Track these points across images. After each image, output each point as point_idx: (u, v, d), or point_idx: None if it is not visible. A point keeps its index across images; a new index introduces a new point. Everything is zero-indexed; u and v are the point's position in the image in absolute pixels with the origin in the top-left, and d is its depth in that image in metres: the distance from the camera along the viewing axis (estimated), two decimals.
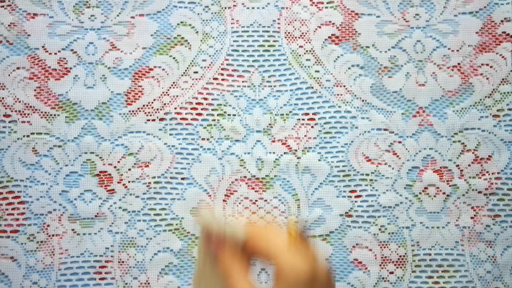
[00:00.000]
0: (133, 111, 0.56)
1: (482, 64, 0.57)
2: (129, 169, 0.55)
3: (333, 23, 0.58)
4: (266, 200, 0.55)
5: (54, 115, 0.55)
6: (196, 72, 0.57)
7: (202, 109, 0.56)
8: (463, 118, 0.56)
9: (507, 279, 0.54)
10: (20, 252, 0.54)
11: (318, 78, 0.57)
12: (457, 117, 0.56)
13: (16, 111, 0.55)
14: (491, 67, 0.57)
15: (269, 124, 0.56)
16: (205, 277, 0.44)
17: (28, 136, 0.55)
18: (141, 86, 0.56)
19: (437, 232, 0.55)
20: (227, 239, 0.41)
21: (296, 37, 0.58)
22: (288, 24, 0.58)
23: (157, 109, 0.56)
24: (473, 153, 0.56)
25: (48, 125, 0.55)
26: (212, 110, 0.56)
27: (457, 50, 0.57)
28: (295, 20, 0.58)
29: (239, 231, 0.41)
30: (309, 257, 0.38)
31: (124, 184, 0.55)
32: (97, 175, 0.55)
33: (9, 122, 0.55)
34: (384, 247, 0.55)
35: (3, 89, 0.55)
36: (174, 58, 0.57)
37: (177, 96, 0.56)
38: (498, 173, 0.56)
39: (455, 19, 0.58)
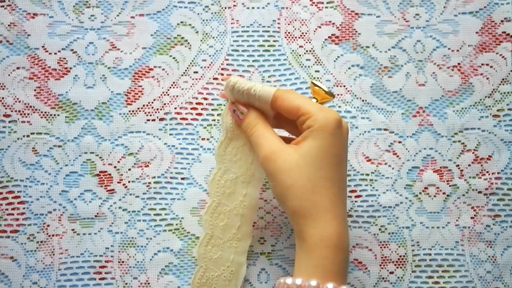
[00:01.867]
0: (133, 111, 0.56)
1: (482, 64, 0.57)
2: (129, 169, 0.55)
3: (333, 23, 0.58)
4: (266, 200, 0.55)
5: (54, 115, 0.55)
6: (196, 72, 0.57)
7: (202, 109, 0.56)
8: (463, 118, 0.56)
9: (507, 279, 0.54)
10: (20, 252, 0.54)
11: (318, 78, 0.57)
12: (457, 117, 0.56)
13: (16, 111, 0.55)
14: (491, 67, 0.57)
15: None
16: (230, 146, 0.49)
17: (28, 136, 0.55)
18: (141, 86, 0.56)
19: (437, 232, 0.55)
20: (256, 99, 0.46)
21: (296, 37, 0.58)
22: (288, 24, 0.58)
23: (157, 109, 0.56)
24: (473, 153, 0.56)
25: (48, 125, 0.55)
26: (212, 110, 0.56)
27: (457, 50, 0.57)
28: (295, 20, 0.58)
29: (267, 93, 0.45)
30: (331, 110, 0.44)
31: (124, 184, 0.55)
32: (97, 175, 0.55)
33: (9, 122, 0.55)
34: (384, 247, 0.55)
35: (3, 89, 0.55)
36: (174, 58, 0.57)
37: (177, 96, 0.56)
38: (498, 173, 0.56)
39: (455, 19, 0.58)
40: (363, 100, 0.57)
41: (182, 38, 0.57)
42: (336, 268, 0.41)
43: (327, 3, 0.58)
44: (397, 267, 0.54)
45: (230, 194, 0.50)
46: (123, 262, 0.54)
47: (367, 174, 0.56)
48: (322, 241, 0.41)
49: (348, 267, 0.43)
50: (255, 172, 0.49)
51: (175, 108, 0.56)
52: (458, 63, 0.57)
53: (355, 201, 0.55)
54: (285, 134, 0.52)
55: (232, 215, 0.50)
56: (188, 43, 0.57)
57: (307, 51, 0.57)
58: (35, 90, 0.56)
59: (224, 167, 0.50)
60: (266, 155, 0.43)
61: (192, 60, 0.57)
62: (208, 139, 0.56)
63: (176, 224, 0.55)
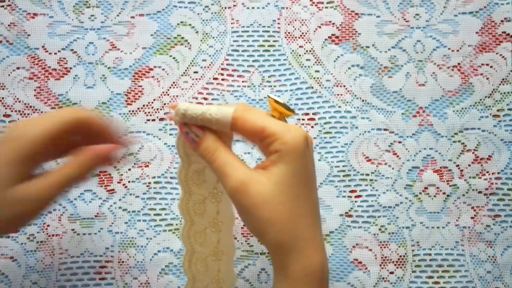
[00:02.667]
0: (133, 111, 0.56)
1: (482, 64, 0.57)
2: (129, 169, 0.55)
3: (333, 23, 0.58)
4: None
5: None
6: (196, 72, 0.57)
7: None
8: (463, 118, 0.56)
9: (507, 279, 0.54)
10: (20, 252, 0.53)
11: (318, 78, 0.57)
12: (457, 117, 0.56)
13: (16, 111, 0.55)
14: (491, 67, 0.57)
15: None
16: (190, 171, 0.45)
17: None
18: (141, 86, 0.56)
19: (437, 232, 0.55)
20: (213, 123, 0.40)
21: (296, 37, 0.58)
22: (288, 24, 0.58)
23: (157, 109, 0.56)
24: (473, 153, 0.56)
25: None
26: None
27: (457, 50, 0.57)
28: (295, 20, 0.58)
29: (225, 115, 0.40)
30: (296, 128, 0.40)
31: (124, 184, 0.55)
32: (97, 175, 0.55)
33: (9, 122, 0.55)
34: (384, 247, 0.55)
35: (3, 89, 0.55)
36: (174, 58, 0.57)
37: (177, 96, 0.56)
38: (498, 173, 0.56)
39: (455, 19, 0.58)
40: (363, 100, 0.57)
41: (182, 38, 0.57)
42: None
43: (327, 3, 0.58)
44: (397, 267, 0.54)
45: (202, 213, 0.46)
46: (123, 262, 0.54)
47: (367, 174, 0.56)
48: (306, 276, 0.38)
49: None
50: (223, 190, 0.45)
51: None
52: (458, 63, 0.57)
53: (355, 201, 0.55)
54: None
55: (209, 233, 0.47)
56: (188, 43, 0.57)
57: (307, 51, 0.57)
58: (35, 90, 0.56)
59: (190, 191, 0.46)
60: (235, 186, 0.38)
61: (192, 60, 0.57)
62: None
63: (176, 224, 0.55)
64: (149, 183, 0.55)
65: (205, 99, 0.56)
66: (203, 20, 0.58)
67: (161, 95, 0.56)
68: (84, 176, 0.41)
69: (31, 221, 0.41)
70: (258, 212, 0.38)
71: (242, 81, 0.57)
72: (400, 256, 0.55)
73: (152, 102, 0.56)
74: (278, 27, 0.58)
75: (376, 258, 0.54)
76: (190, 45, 0.57)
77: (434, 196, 0.55)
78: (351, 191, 0.55)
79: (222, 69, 0.57)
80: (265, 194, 0.38)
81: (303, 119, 0.56)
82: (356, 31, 0.58)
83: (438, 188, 0.55)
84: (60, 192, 0.40)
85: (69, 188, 0.41)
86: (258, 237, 0.39)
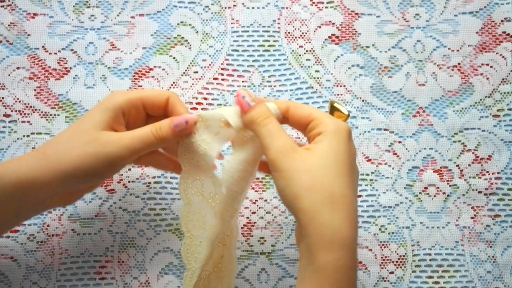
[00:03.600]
0: None
1: (482, 64, 0.57)
2: (129, 169, 0.55)
3: (333, 23, 0.58)
4: (266, 200, 0.55)
5: (54, 115, 0.55)
6: (196, 72, 0.57)
7: (202, 109, 0.56)
8: (463, 118, 0.56)
9: (507, 279, 0.54)
10: (20, 252, 0.53)
11: (318, 78, 0.57)
12: (457, 117, 0.56)
13: (16, 111, 0.55)
14: (491, 67, 0.57)
15: None
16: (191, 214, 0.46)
17: (28, 136, 0.55)
18: (141, 86, 0.56)
19: (437, 232, 0.55)
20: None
21: (296, 37, 0.58)
22: (288, 24, 0.58)
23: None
24: (473, 153, 0.56)
25: (48, 125, 0.55)
26: (212, 110, 0.56)
27: (457, 50, 0.57)
28: (295, 20, 0.58)
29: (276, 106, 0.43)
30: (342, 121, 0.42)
31: (124, 184, 0.55)
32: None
33: (9, 122, 0.55)
34: (384, 247, 0.55)
35: (3, 89, 0.55)
36: (174, 58, 0.57)
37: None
38: (498, 173, 0.56)
39: (455, 19, 0.58)
40: (363, 100, 0.57)
41: (182, 38, 0.57)
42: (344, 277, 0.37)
43: (327, 3, 0.58)
44: (397, 267, 0.54)
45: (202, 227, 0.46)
46: (123, 262, 0.54)
47: (367, 174, 0.56)
48: (336, 271, 0.37)
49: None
50: (224, 205, 0.45)
51: None
52: (458, 63, 0.57)
53: None
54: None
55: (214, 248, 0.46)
56: (188, 43, 0.57)
57: (307, 51, 0.57)
58: (35, 90, 0.56)
59: (189, 203, 0.47)
60: (283, 148, 0.39)
61: (192, 60, 0.57)
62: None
63: (176, 224, 0.55)
64: (149, 183, 0.55)
65: (205, 99, 0.56)
66: (203, 20, 0.58)
67: None
68: (159, 140, 0.44)
69: (113, 172, 0.46)
70: (299, 178, 0.38)
71: (242, 81, 0.57)
72: (400, 256, 0.55)
73: None
74: (278, 27, 0.58)
75: (376, 258, 0.54)
76: (190, 45, 0.57)
77: (434, 196, 0.55)
78: None
79: (222, 69, 0.57)
80: (310, 163, 0.39)
81: None
82: (356, 31, 0.58)
83: (438, 188, 0.55)
84: (143, 147, 0.43)
85: (142, 150, 0.43)
86: (291, 204, 0.39)
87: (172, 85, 0.56)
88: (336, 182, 0.38)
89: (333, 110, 0.46)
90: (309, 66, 0.57)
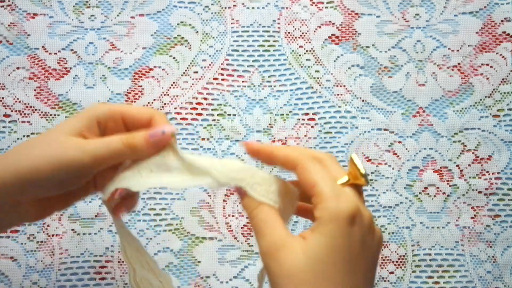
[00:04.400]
0: None
1: (482, 64, 0.57)
2: None
3: (333, 23, 0.58)
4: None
5: (54, 115, 0.55)
6: (196, 72, 0.57)
7: (202, 109, 0.56)
8: (463, 118, 0.56)
9: (507, 279, 0.54)
10: (20, 252, 0.53)
11: (318, 78, 0.57)
12: (457, 117, 0.56)
13: (16, 111, 0.55)
14: (491, 67, 0.57)
15: (269, 124, 0.56)
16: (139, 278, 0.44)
17: (28, 136, 0.55)
18: (141, 86, 0.56)
19: (437, 232, 0.55)
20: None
21: (296, 37, 0.58)
22: (288, 24, 0.58)
23: (157, 109, 0.56)
24: (473, 153, 0.56)
25: (48, 125, 0.55)
26: (212, 110, 0.56)
27: (457, 50, 0.57)
28: (295, 20, 0.58)
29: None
30: (357, 199, 0.35)
31: None
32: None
33: (9, 122, 0.55)
34: (384, 247, 0.55)
35: (3, 89, 0.55)
36: (174, 58, 0.57)
37: (177, 96, 0.56)
38: (498, 173, 0.56)
39: (455, 19, 0.58)
40: (363, 100, 0.57)
41: (182, 38, 0.57)
42: None
43: (327, 3, 0.58)
44: (397, 267, 0.54)
45: None
46: (123, 262, 0.54)
47: (367, 174, 0.56)
48: None
49: None
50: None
51: (175, 108, 0.56)
52: (458, 63, 0.57)
53: None
54: None
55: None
56: (188, 43, 0.57)
57: (307, 51, 0.57)
58: (35, 90, 0.56)
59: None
60: (267, 249, 0.35)
61: (192, 60, 0.57)
62: (208, 139, 0.56)
63: (176, 224, 0.55)
64: None
65: (205, 99, 0.56)
66: (203, 20, 0.58)
67: (161, 95, 0.56)
68: (129, 150, 0.40)
69: (76, 181, 0.40)
70: (283, 284, 0.34)
71: (242, 81, 0.57)
72: (400, 256, 0.55)
73: (152, 102, 0.56)
74: (278, 27, 0.58)
75: None
76: (190, 45, 0.57)
77: (434, 196, 0.55)
78: None
79: (222, 69, 0.57)
80: (295, 267, 0.34)
81: (303, 119, 0.56)
82: (356, 31, 0.58)
83: (438, 188, 0.55)
84: (108, 155, 0.39)
85: (119, 155, 0.40)
86: None
87: (172, 85, 0.56)
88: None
89: (352, 166, 0.37)
90: (309, 66, 0.57)
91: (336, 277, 0.33)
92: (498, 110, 0.57)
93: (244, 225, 0.55)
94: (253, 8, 0.58)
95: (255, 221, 0.37)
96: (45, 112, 0.55)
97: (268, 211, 0.37)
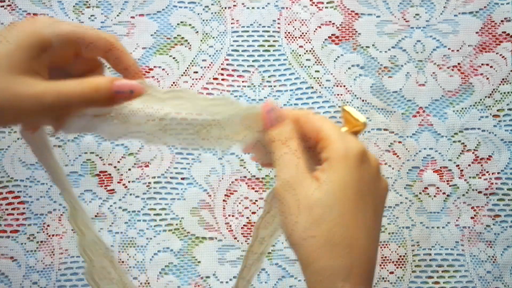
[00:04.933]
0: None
1: (482, 64, 0.57)
2: (129, 169, 0.55)
3: (333, 23, 0.58)
4: (266, 200, 0.55)
5: None
6: (196, 72, 0.57)
7: None
8: (463, 118, 0.56)
9: (507, 279, 0.54)
10: (20, 252, 0.53)
11: (318, 78, 0.57)
12: (457, 117, 0.56)
13: None
14: (491, 67, 0.57)
15: None
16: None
17: None
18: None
19: (437, 232, 0.55)
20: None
21: (296, 37, 0.58)
22: (288, 24, 0.58)
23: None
24: (473, 153, 0.56)
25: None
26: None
27: (457, 50, 0.57)
28: (295, 20, 0.58)
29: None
30: (355, 140, 0.37)
31: (124, 184, 0.55)
32: (97, 175, 0.55)
33: None
34: (384, 247, 0.55)
35: None
36: (174, 58, 0.57)
37: None
38: (498, 173, 0.56)
39: (455, 19, 0.58)
40: (363, 100, 0.57)
41: (182, 38, 0.57)
42: None
43: (327, 3, 0.58)
44: (397, 267, 0.54)
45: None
46: (123, 262, 0.54)
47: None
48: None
49: None
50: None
51: None
52: (458, 63, 0.57)
53: None
54: None
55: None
56: (188, 43, 0.57)
57: (307, 51, 0.57)
58: None
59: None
60: (288, 182, 0.36)
61: (192, 60, 0.57)
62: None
63: (176, 224, 0.55)
64: (149, 183, 0.55)
65: None
66: (203, 20, 0.58)
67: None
68: (86, 98, 0.35)
69: (14, 121, 0.36)
70: (298, 216, 0.35)
71: (242, 81, 0.57)
72: (400, 256, 0.55)
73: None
74: (278, 27, 0.58)
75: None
76: (190, 45, 0.57)
77: (434, 196, 0.55)
78: None
79: (222, 69, 0.57)
80: (310, 201, 0.35)
81: None
82: (356, 31, 0.58)
83: (438, 188, 0.55)
84: (56, 106, 0.34)
85: (62, 107, 0.34)
86: (288, 239, 0.36)
87: (172, 85, 0.56)
88: (338, 223, 0.34)
89: (346, 117, 0.39)
90: (309, 66, 0.57)
91: (349, 212, 0.35)
92: (498, 110, 0.57)
93: (244, 225, 0.55)
94: (253, 8, 0.58)
95: (281, 152, 0.37)
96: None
97: (294, 145, 0.37)
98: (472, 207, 0.55)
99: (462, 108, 0.56)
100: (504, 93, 0.57)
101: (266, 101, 0.39)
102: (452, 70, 0.57)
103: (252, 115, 0.39)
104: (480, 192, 0.55)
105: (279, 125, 0.38)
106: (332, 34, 0.58)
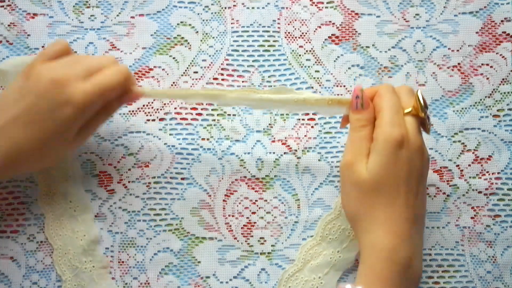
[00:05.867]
0: (133, 111, 0.56)
1: (482, 64, 0.57)
2: (129, 169, 0.55)
3: (333, 23, 0.58)
4: (266, 200, 0.55)
5: None
6: (196, 72, 0.57)
7: (202, 109, 0.56)
8: (463, 118, 0.56)
9: (507, 279, 0.54)
10: (20, 252, 0.54)
11: (318, 78, 0.57)
12: (457, 117, 0.56)
13: None
14: (491, 67, 0.57)
15: (269, 124, 0.56)
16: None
17: None
18: (141, 86, 0.56)
19: (437, 232, 0.55)
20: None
21: (296, 37, 0.58)
22: (288, 24, 0.58)
23: (157, 109, 0.56)
24: (473, 153, 0.56)
25: None
26: (212, 110, 0.56)
27: (457, 50, 0.57)
28: (295, 20, 0.58)
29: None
30: (412, 127, 0.45)
31: (124, 184, 0.55)
32: (97, 175, 0.55)
33: None
34: None
35: (3, 89, 0.55)
36: (174, 58, 0.57)
37: None
38: (498, 173, 0.56)
39: (455, 19, 0.58)
40: None
41: (182, 38, 0.57)
42: (386, 280, 0.43)
43: (327, 3, 0.58)
44: None
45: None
46: (123, 262, 0.54)
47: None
48: (373, 250, 0.44)
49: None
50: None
51: (175, 108, 0.56)
52: (458, 63, 0.57)
53: None
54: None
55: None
56: (188, 43, 0.57)
57: (307, 51, 0.57)
58: None
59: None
60: (349, 161, 0.45)
61: (192, 60, 0.57)
62: (208, 139, 0.56)
63: (176, 224, 0.55)
64: (149, 183, 0.55)
65: None
66: (203, 20, 0.58)
67: None
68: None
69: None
70: (351, 190, 0.45)
71: (242, 81, 0.57)
72: None
73: (152, 102, 0.56)
74: (278, 27, 0.58)
75: None
76: (190, 45, 0.57)
77: (434, 196, 0.55)
78: None
79: (222, 69, 0.57)
80: (361, 178, 0.44)
81: (303, 119, 0.56)
82: (356, 31, 0.58)
83: (438, 188, 0.55)
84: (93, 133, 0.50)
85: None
86: (344, 209, 0.47)
87: (172, 85, 0.56)
88: (374, 195, 0.44)
89: (417, 100, 0.46)
90: (309, 66, 0.57)
91: (387, 189, 0.44)
92: (498, 110, 0.57)
93: (244, 225, 0.55)
94: (253, 8, 0.58)
95: (353, 136, 0.46)
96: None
97: (367, 132, 0.45)
98: (472, 207, 0.55)
99: (462, 108, 0.56)
100: (504, 93, 0.57)
101: (356, 87, 0.47)
102: (452, 70, 0.57)
103: (342, 100, 0.48)
104: (480, 192, 0.55)
105: (361, 112, 0.46)
106: (332, 34, 0.58)
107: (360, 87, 0.47)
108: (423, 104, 0.46)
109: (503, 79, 0.57)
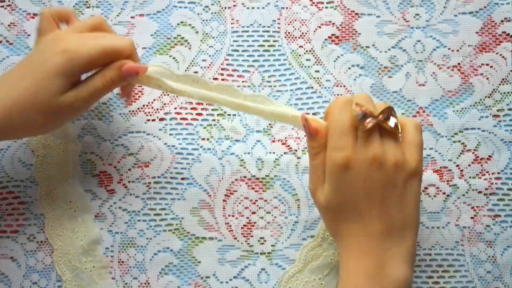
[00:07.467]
0: (133, 111, 0.56)
1: (482, 64, 0.57)
2: (129, 169, 0.55)
3: (333, 23, 0.58)
4: (266, 200, 0.55)
5: None
6: (196, 72, 0.57)
7: (202, 109, 0.56)
8: (463, 118, 0.56)
9: (507, 279, 0.54)
10: (20, 252, 0.54)
11: (318, 78, 0.57)
12: (457, 117, 0.56)
13: None
14: (491, 67, 0.57)
15: (269, 124, 0.56)
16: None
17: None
18: (141, 86, 0.56)
19: (437, 232, 0.55)
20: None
21: (296, 37, 0.58)
22: (288, 24, 0.58)
23: (157, 109, 0.56)
24: (473, 153, 0.56)
25: None
26: (212, 110, 0.56)
27: (457, 50, 0.57)
28: (295, 20, 0.58)
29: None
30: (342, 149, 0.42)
31: (124, 184, 0.55)
32: (97, 175, 0.55)
33: None
34: None
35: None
36: (174, 58, 0.57)
37: (177, 96, 0.56)
38: (498, 173, 0.56)
39: (455, 19, 0.58)
40: None
41: (182, 38, 0.57)
42: None
43: (327, 3, 0.58)
44: None
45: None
46: (123, 262, 0.54)
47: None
48: (342, 268, 0.44)
49: None
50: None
51: (175, 108, 0.56)
52: (458, 63, 0.57)
53: None
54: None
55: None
56: (188, 43, 0.57)
57: (307, 51, 0.57)
58: None
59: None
60: (310, 190, 0.46)
61: (192, 60, 0.57)
62: (208, 139, 0.56)
63: (176, 224, 0.55)
64: (149, 183, 0.55)
65: None
66: (203, 20, 0.58)
67: (161, 95, 0.56)
68: (109, 87, 0.47)
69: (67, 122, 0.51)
70: (321, 213, 0.46)
71: (242, 81, 0.57)
72: None
73: (152, 102, 0.56)
74: (278, 27, 0.58)
75: None
76: (190, 45, 0.57)
77: (434, 196, 0.55)
78: None
79: (222, 69, 0.57)
80: (321, 204, 0.44)
81: None
82: (356, 31, 0.58)
83: (438, 188, 0.55)
84: (90, 101, 0.47)
85: (97, 98, 0.48)
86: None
87: None
88: (329, 227, 0.46)
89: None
90: (309, 66, 0.57)
91: (346, 210, 0.43)
92: (498, 110, 0.57)
93: (244, 225, 0.55)
94: (253, 8, 0.58)
95: (312, 163, 0.45)
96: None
97: (323, 159, 0.44)
98: (472, 207, 0.55)
99: (462, 108, 0.56)
100: (504, 93, 0.57)
101: (300, 116, 0.45)
102: (452, 70, 0.57)
103: (294, 118, 0.46)
104: (480, 192, 0.55)
105: (311, 140, 0.44)
106: (332, 34, 0.58)
107: (304, 116, 0.44)
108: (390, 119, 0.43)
109: (503, 79, 0.57)
